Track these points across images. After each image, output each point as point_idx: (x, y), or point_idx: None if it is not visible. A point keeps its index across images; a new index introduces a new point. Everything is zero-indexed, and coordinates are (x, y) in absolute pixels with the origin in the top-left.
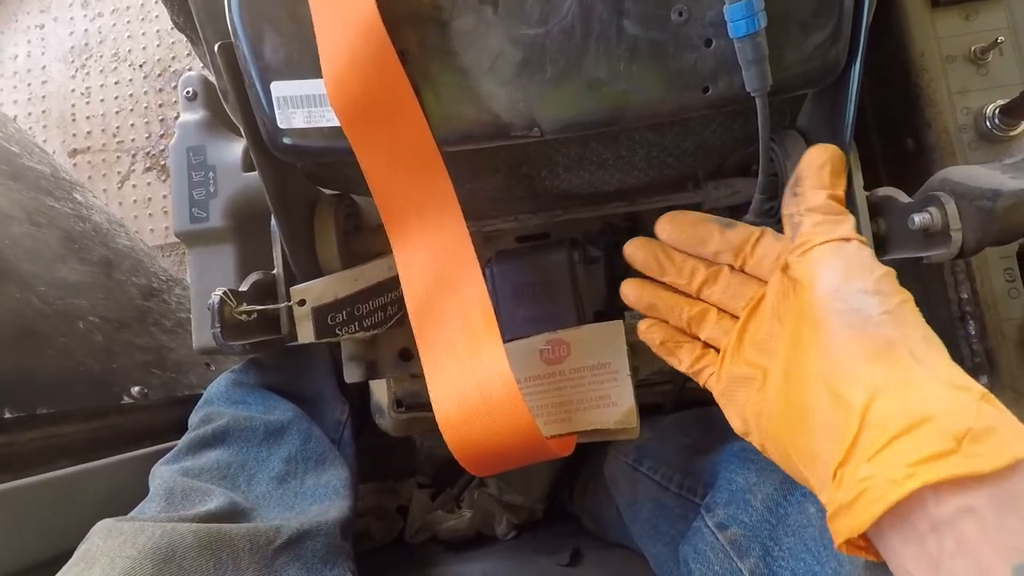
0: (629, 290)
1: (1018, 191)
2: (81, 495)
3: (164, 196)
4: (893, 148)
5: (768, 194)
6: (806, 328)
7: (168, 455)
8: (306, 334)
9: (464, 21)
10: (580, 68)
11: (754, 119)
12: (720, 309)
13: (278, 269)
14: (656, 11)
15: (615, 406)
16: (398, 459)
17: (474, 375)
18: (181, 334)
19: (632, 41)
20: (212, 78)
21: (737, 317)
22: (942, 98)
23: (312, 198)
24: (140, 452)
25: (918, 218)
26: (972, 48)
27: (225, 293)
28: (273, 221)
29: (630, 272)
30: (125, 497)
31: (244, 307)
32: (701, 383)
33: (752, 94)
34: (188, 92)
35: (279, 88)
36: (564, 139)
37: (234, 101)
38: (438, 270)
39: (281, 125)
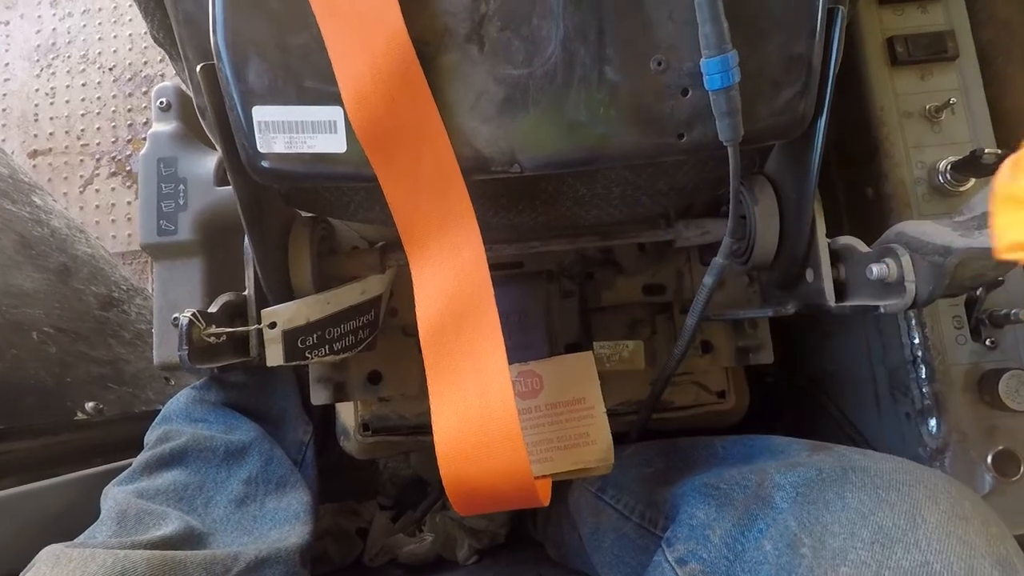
0: None
1: (967, 250)
2: (28, 516)
3: (129, 202)
4: (854, 196)
5: (737, 236)
6: None
7: (122, 475)
8: (275, 357)
9: (450, 58)
10: (561, 109)
11: (725, 164)
12: None
13: (249, 291)
14: (636, 59)
15: (594, 444)
16: (360, 479)
17: (480, 412)
18: (140, 346)
19: (612, 86)
20: (189, 91)
21: None
22: (899, 151)
23: (287, 220)
24: (92, 471)
25: (876, 268)
26: (927, 106)
27: (194, 315)
28: (246, 242)
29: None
30: (75, 518)
31: (213, 329)
32: None
33: (725, 143)
34: (162, 103)
35: (261, 112)
36: (542, 175)
37: (213, 122)
38: (454, 297)
39: (261, 149)
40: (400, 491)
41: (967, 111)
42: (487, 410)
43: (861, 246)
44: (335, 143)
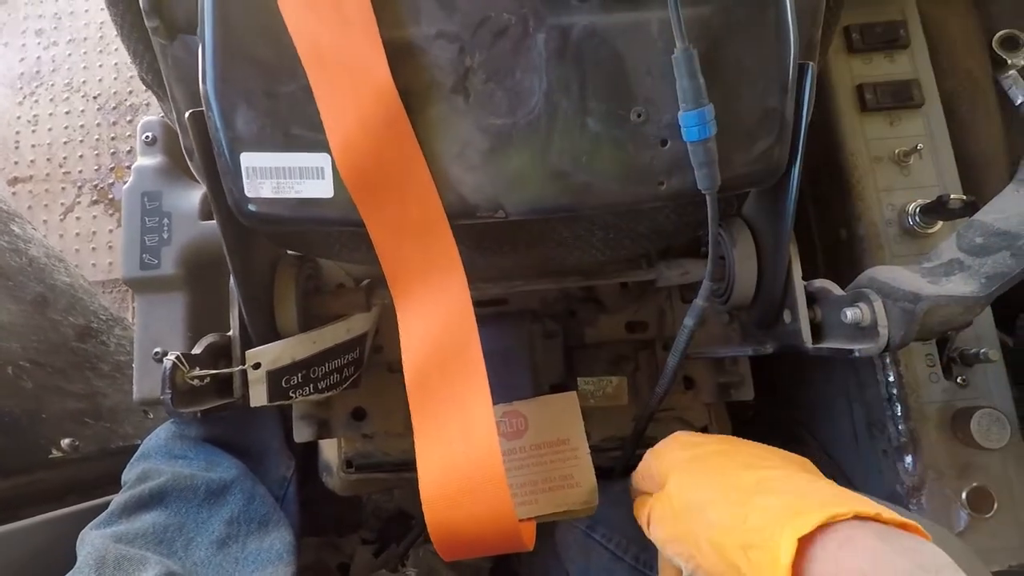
0: None
1: (935, 297)
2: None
3: (110, 230)
4: (829, 237)
5: (716, 278)
6: None
7: (100, 518)
8: (259, 397)
9: (436, 108)
10: (544, 158)
11: (704, 208)
12: None
13: (234, 331)
14: (617, 111)
15: (578, 486)
16: (342, 513)
17: (465, 457)
18: (119, 379)
19: (594, 136)
20: (175, 127)
21: None
22: (870, 194)
23: (273, 259)
24: (67, 511)
25: (850, 313)
26: (896, 151)
27: (178, 357)
28: (232, 283)
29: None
30: (49, 562)
31: (197, 372)
32: None
33: (703, 191)
34: (147, 137)
35: (248, 159)
36: (527, 219)
37: (201, 166)
38: (439, 340)
39: (248, 194)
40: (383, 525)
41: (933, 156)
42: (472, 454)
43: (836, 289)
44: (322, 188)
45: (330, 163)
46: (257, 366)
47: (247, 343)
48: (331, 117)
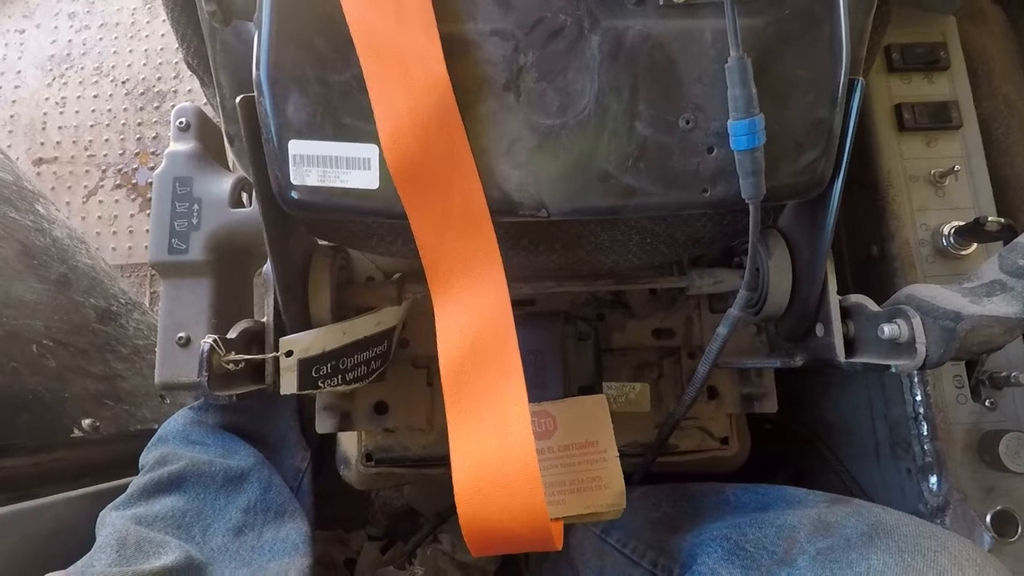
0: None
1: (978, 317)
2: (21, 536)
3: (132, 215)
4: (860, 253)
5: (751, 288)
6: None
7: (119, 499)
8: (289, 385)
9: (487, 104)
10: (591, 160)
11: (742, 217)
12: None
13: (268, 318)
14: (666, 116)
15: (606, 488)
16: (350, 507)
17: (500, 453)
18: (137, 363)
19: (642, 141)
20: (210, 112)
21: None
22: (904, 213)
23: (308, 248)
24: (85, 491)
25: (887, 328)
26: (932, 171)
27: (215, 341)
28: (268, 269)
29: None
30: (68, 540)
31: (232, 356)
32: None
33: (747, 200)
34: (181, 123)
35: (296, 146)
36: (566, 220)
37: (248, 152)
38: (477, 336)
39: (294, 181)
40: (391, 522)
41: (969, 178)
42: (507, 450)
43: (872, 305)
44: (368, 179)
45: (377, 154)
46: (289, 354)
47: (280, 330)
48: (382, 107)
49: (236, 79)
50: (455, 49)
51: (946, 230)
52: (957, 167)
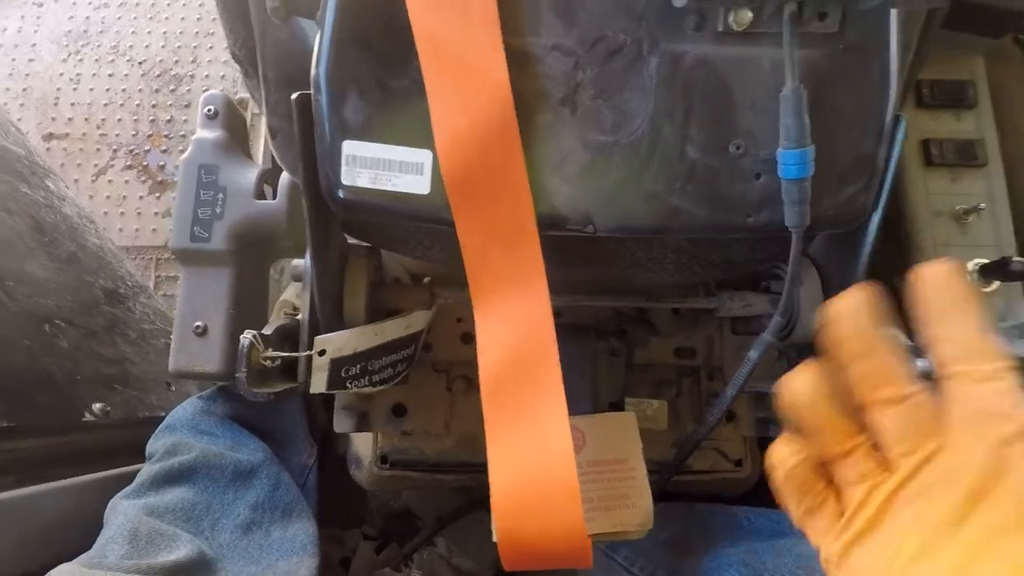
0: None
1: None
2: (30, 520)
3: (140, 197)
4: (881, 285)
5: (784, 314)
6: None
7: (130, 488)
8: (319, 384)
9: (543, 118)
10: (640, 179)
11: (778, 243)
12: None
13: (304, 316)
14: (717, 141)
15: (634, 507)
16: (346, 506)
17: (540, 468)
18: (144, 347)
19: (691, 164)
20: (259, 104)
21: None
22: (928, 246)
23: (343, 249)
24: (95, 476)
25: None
26: (956, 207)
27: (255, 336)
28: (308, 266)
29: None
30: (76, 523)
31: (270, 352)
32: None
33: (791, 229)
34: (209, 110)
35: (351, 147)
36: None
37: (297, 148)
38: (518, 348)
39: (345, 181)
40: (386, 522)
41: (992, 216)
42: (547, 465)
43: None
44: (419, 184)
45: (431, 160)
46: (322, 353)
47: (315, 329)
48: (441, 114)
49: (284, 74)
50: (516, 61)
51: (970, 267)
52: (983, 205)
